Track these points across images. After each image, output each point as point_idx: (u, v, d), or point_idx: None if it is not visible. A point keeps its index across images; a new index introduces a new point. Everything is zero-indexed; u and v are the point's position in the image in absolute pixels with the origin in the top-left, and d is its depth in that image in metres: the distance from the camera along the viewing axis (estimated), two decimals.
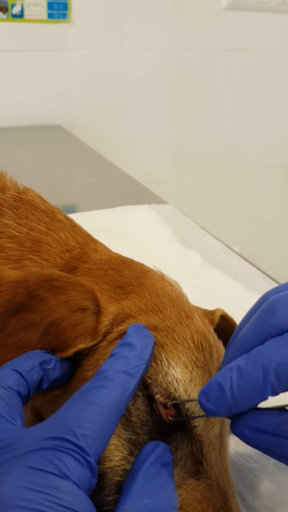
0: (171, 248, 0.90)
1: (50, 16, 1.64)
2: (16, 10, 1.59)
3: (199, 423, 0.37)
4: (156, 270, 0.47)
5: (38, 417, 0.42)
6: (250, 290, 0.77)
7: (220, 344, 0.43)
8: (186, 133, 2.05)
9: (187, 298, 0.45)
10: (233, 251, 0.92)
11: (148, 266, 0.49)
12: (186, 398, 0.37)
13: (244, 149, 2.21)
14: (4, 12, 1.58)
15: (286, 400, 0.34)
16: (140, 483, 0.31)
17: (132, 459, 0.35)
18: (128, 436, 0.36)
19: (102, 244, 0.54)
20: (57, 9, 1.64)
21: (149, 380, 0.37)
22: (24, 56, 1.66)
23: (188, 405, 0.37)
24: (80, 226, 0.55)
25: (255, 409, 0.34)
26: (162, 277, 0.46)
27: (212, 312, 0.49)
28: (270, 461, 0.48)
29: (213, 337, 0.42)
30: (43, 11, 1.62)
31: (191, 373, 0.38)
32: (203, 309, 0.49)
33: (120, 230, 0.93)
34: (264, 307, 0.35)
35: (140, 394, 0.37)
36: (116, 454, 0.35)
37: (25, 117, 1.71)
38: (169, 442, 0.37)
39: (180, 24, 1.86)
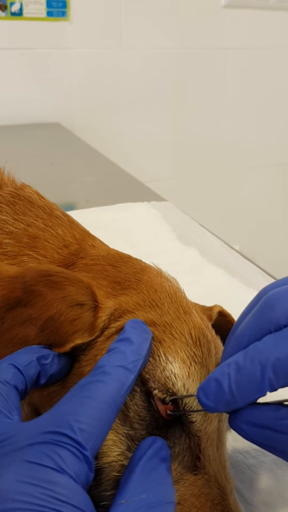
0: (170, 245, 0.90)
1: (49, 14, 1.64)
2: (15, 8, 1.59)
3: (197, 418, 0.37)
4: (154, 266, 0.47)
5: (36, 412, 0.42)
6: (250, 287, 0.77)
7: (218, 340, 0.43)
8: (185, 131, 2.05)
9: (185, 294, 0.45)
10: (233, 248, 0.92)
11: (146, 262, 0.48)
12: (184, 393, 0.37)
13: (243, 147, 2.21)
14: (3, 10, 1.57)
15: (285, 395, 0.34)
16: (138, 478, 0.31)
17: (130, 454, 0.35)
18: (125, 431, 0.36)
19: (99, 240, 0.54)
20: (56, 7, 1.64)
21: (147, 376, 0.37)
22: (23, 54, 1.65)
23: (186, 400, 0.37)
24: (77, 222, 0.55)
25: (253, 404, 0.34)
26: (159, 273, 0.46)
27: (210, 308, 0.49)
28: (269, 457, 0.48)
29: (211, 333, 0.42)
30: (42, 9, 1.62)
31: (189, 368, 0.38)
32: (201, 305, 0.49)
33: (119, 227, 0.93)
34: (262, 302, 0.35)
35: (138, 390, 0.37)
36: (114, 450, 0.35)
37: (24, 115, 1.71)
38: (167, 437, 0.37)
39: (179, 22, 1.86)
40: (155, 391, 0.37)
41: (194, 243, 0.91)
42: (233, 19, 1.95)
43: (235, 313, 0.43)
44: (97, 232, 0.56)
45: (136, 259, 0.49)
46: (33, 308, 0.38)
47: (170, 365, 0.37)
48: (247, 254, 0.92)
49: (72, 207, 1.03)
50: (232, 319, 0.50)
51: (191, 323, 0.41)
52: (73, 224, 0.54)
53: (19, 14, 1.60)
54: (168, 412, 0.37)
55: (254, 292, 0.39)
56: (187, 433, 0.37)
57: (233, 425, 0.34)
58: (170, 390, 0.37)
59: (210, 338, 0.41)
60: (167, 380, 0.37)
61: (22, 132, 1.64)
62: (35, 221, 0.51)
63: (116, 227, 0.93)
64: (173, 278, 0.46)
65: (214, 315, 0.49)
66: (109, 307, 0.40)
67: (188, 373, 0.37)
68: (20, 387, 0.33)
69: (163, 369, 0.37)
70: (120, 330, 0.38)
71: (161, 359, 0.37)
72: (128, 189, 1.22)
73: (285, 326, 0.33)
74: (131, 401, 0.36)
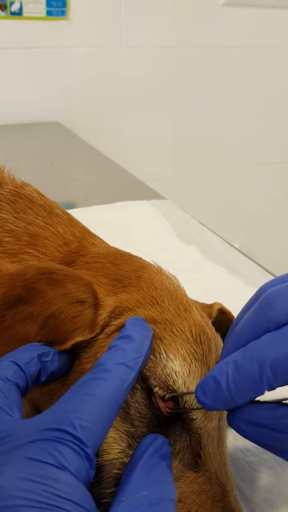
0: (170, 243, 0.90)
1: (49, 13, 1.64)
2: (15, 7, 1.58)
3: (197, 415, 0.37)
4: (154, 264, 0.47)
5: (36, 410, 0.42)
6: (249, 285, 0.77)
7: (218, 337, 0.43)
8: (185, 129, 2.05)
9: (185, 291, 0.45)
10: (233, 246, 0.92)
11: (147, 260, 0.48)
12: (184, 390, 0.37)
13: (243, 145, 2.21)
14: (3, 10, 1.57)
15: (284, 393, 0.34)
16: (139, 475, 0.31)
17: (131, 452, 0.35)
18: (126, 429, 0.36)
19: (100, 238, 0.54)
20: (56, 7, 1.64)
21: (148, 373, 0.37)
22: (23, 53, 1.65)
23: (186, 397, 0.37)
24: (77, 220, 0.55)
25: (252, 402, 0.33)
26: (160, 271, 0.46)
27: (210, 306, 0.49)
28: (269, 455, 0.48)
29: (211, 330, 0.42)
30: (41, 9, 1.62)
31: (190, 366, 0.38)
32: (201, 302, 0.49)
33: (119, 226, 0.93)
34: (262, 300, 0.35)
35: (139, 387, 0.37)
36: (114, 447, 0.35)
37: (24, 114, 1.71)
38: (168, 435, 0.37)
39: (178, 20, 1.85)
40: (156, 389, 0.37)
41: (194, 241, 0.91)
42: (232, 17, 1.95)
43: (235, 311, 0.43)
44: (97, 231, 0.56)
45: (136, 257, 0.49)
46: (33, 306, 0.38)
47: (171, 363, 0.37)
48: (246, 252, 0.92)
49: (72, 206, 1.03)
50: (232, 317, 0.50)
51: (192, 320, 0.41)
52: (73, 222, 0.54)
53: (19, 13, 1.60)
54: (168, 410, 0.37)
55: (254, 289, 0.39)
56: (188, 431, 0.37)
57: (232, 424, 0.34)
58: (171, 388, 0.37)
59: (211, 335, 0.41)
60: (168, 377, 0.37)
61: (22, 131, 1.63)
62: (35, 219, 0.51)
63: (116, 225, 0.93)
64: (173, 275, 0.46)
65: (214, 312, 0.49)
66: (110, 304, 0.40)
67: (189, 370, 0.37)
68: (21, 384, 0.33)
69: (164, 367, 0.37)
70: (120, 327, 0.38)
71: (161, 356, 0.37)
72: (128, 188, 1.22)
73: (284, 325, 0.33)
74: (132, 398, 0.36)
